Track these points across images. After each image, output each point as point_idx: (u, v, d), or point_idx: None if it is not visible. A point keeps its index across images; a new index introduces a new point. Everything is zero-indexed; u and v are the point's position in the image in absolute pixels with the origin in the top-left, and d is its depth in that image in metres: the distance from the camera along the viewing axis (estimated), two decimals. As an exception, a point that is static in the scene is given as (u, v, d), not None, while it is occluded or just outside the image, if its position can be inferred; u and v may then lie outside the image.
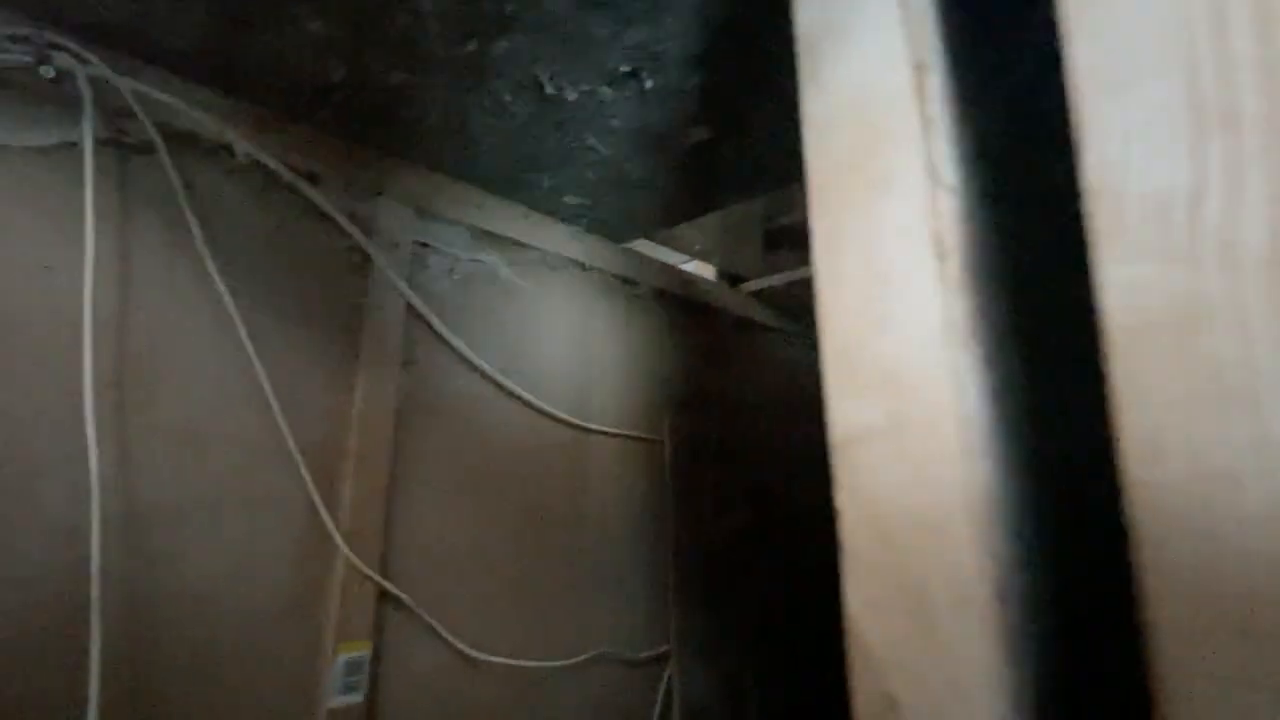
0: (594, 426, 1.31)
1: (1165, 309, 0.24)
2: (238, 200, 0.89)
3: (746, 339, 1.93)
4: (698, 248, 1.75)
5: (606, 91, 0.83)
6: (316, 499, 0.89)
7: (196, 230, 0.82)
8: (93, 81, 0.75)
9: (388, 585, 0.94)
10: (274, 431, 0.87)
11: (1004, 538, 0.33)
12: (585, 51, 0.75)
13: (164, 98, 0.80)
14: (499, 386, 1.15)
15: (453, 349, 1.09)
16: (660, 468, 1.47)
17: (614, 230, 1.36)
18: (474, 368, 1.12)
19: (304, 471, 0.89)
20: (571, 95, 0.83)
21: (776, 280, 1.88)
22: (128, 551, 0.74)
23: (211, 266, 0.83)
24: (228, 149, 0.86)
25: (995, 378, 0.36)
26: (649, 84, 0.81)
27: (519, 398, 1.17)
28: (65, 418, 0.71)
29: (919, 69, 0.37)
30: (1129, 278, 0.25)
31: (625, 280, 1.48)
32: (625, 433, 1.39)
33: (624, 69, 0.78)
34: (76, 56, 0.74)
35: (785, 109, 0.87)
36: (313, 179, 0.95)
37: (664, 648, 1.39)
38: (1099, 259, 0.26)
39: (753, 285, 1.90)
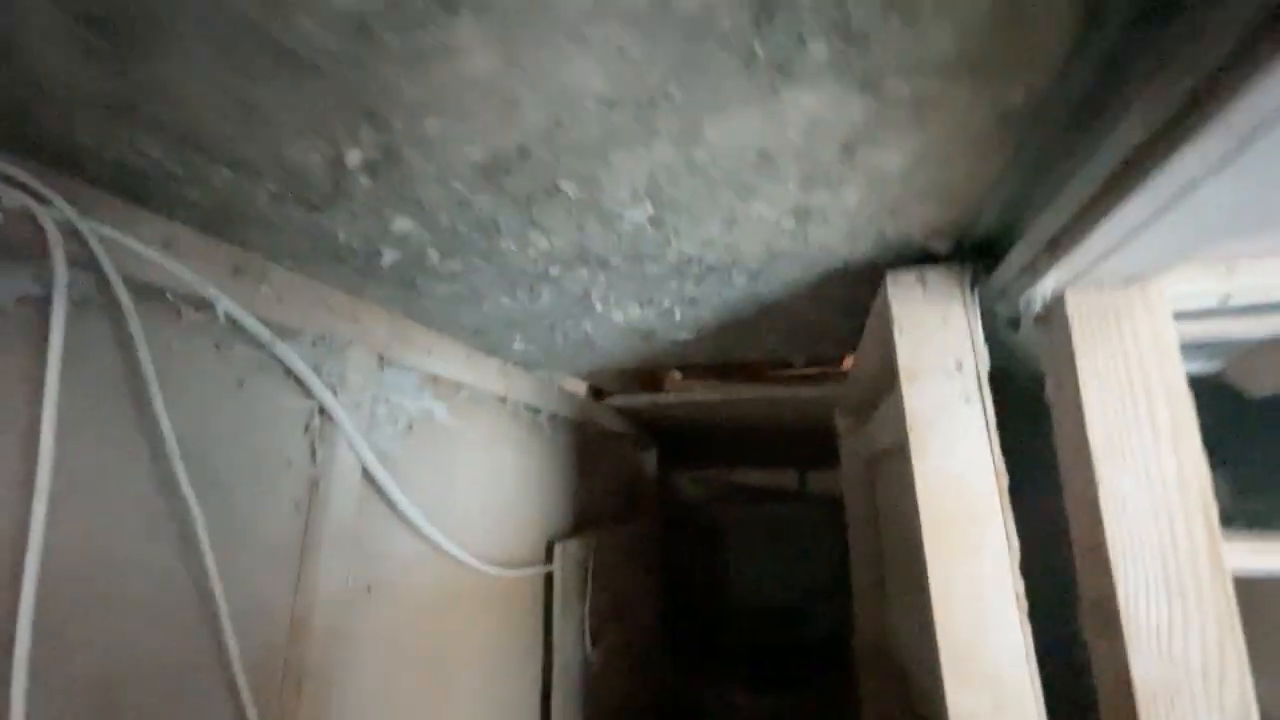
0: (504, 572, 1.29)
1: None
2: (200, 358, 0.71)
3: (613, 448, 2.09)
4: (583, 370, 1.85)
5: (637, 311, 0.93)
6: (258, 730, 0.73)
7: (160, 406, 0.64)
8: (57, 226, 0.55)
9: (327, 816, 0.80)
10: (218, 651, 0.70)
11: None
12: (648, 292, 0.85)
13: (132, 244, 0.62)
14: (433, 545, 1.07)
15: (398, 513, 0.99)
16: (552, 595, 1.50)
17: (544, 368, 1.40)
18: (414, 529, 1.03)
19: (246, 694, 0.72)
20: (617, 315, 0.91)
21: (637, 401, 2.09)
22: None
23: (171, 443, 0.65)
24: (198, 301, 0.69)
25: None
26: (678, 315, 0.94)
27: (447, 553, 1.11)
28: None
29: (998, 475, 0.61)
30: None
31: (531, 408, 1.51)
32: (525, 570, 1.39)
33: (667, 304, 0.90)
34: (35, 195, 0.54)
35: (763, 339, 1.09)
36: (284, 333, 0.81)
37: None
38: None
39: (616, 401, 2.07)
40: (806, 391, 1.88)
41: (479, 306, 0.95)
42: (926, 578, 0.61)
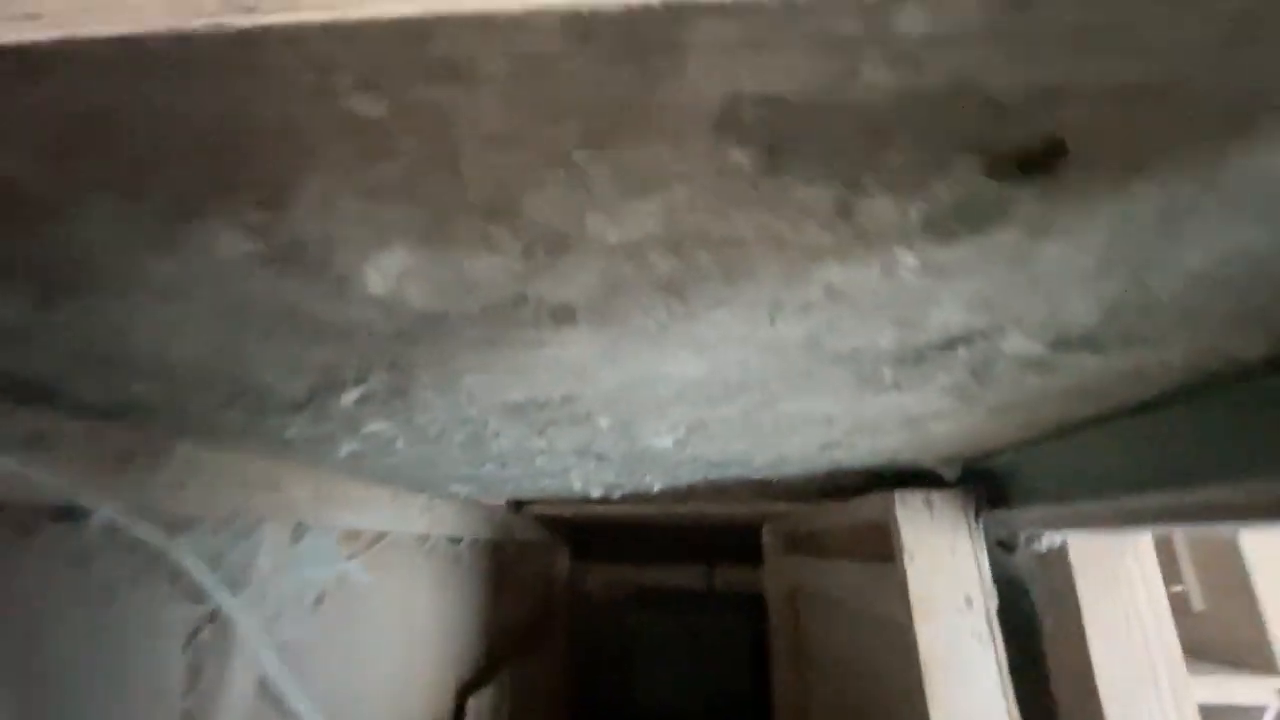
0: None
1: None
2: (56, 582, 0.52)
3: (529, 559, 1.93)
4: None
5: (612, 479, 0.85)
6: None
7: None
8: None
9: None
10: None
11: None
12: (634, 472, 0.78)
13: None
14: (337, 747, 0.87)
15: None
16: (460, 765, 1.29)
17: (474, 495, 1.25)
18: (316, 735, 0.83)
19: None
20: (593, 490, 0.82)
21: (552, 509, 1.97)
22: None
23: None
24: (61, 511, 0.51)
25: None
26: (656, 487, 0.87)
27: (353, 751, 0.91)
28: None
29: (1014, 724, 0.59)
30: None
31: (452, 539, 1.34)
32: (436, 737, 1.19)
33: (649, 480, 0.83)
34: None
35: (730, 495, 1.05)
36: (180, 524, 0.62)
37: None
38: None
39: (536, 509, 1.93)
40: (735, 508, 1.88)
41: (432, 468, 0.82)
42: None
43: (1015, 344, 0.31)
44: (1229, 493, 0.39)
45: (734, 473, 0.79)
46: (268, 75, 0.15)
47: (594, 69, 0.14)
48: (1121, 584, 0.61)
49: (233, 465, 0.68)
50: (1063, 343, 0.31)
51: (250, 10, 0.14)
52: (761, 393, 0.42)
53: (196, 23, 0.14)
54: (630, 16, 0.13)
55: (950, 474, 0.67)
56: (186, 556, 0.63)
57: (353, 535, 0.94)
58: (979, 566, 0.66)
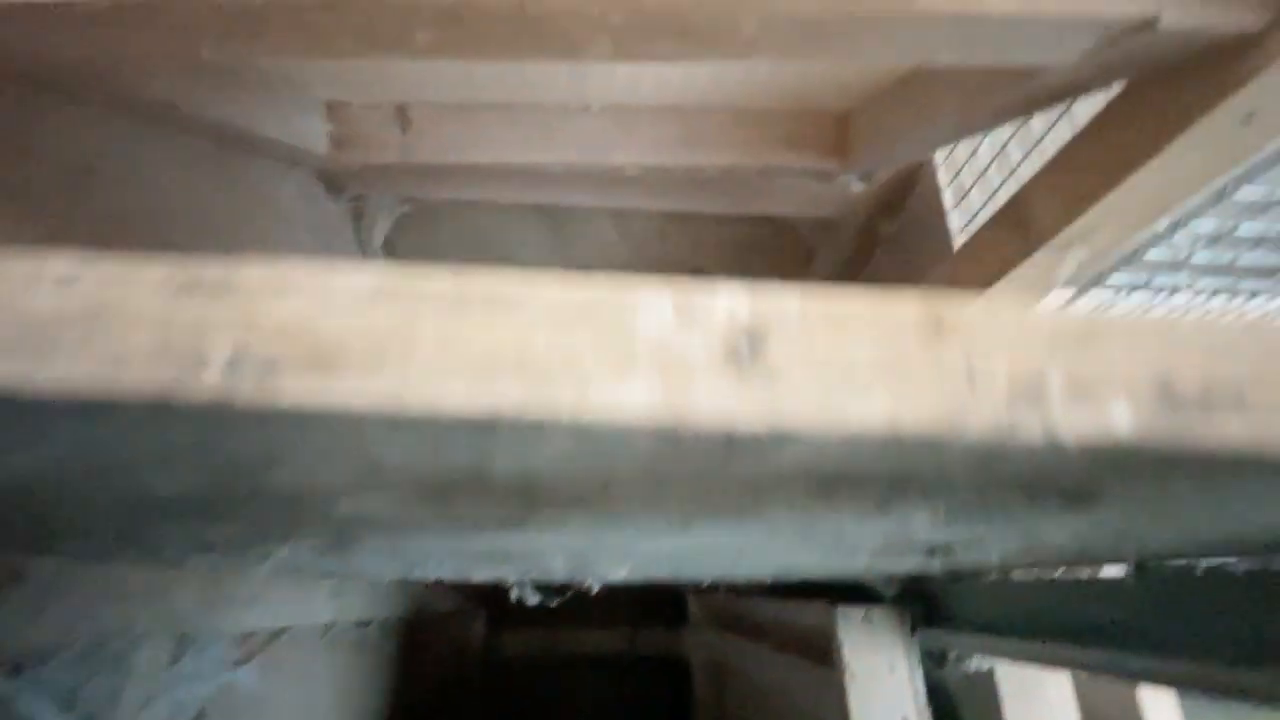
0: None
1: None
2: None
3: (442, 631, 1.79)
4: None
5: (543, 580, 0.81)
6: None
7: None
8: None
9: None
10: None
11: None
12: (571, 583, 0.74)
13: None
14: None
15: None
16: None
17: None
18: None
19: None
20: (530, 600, 0.77)
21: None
22: None
23: None
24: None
25: None
26: (595, 588, 0.84)
27: None
28: None
29: None
30: None
31: (360, 623, 1.22)
32: None
33: (589, 583, 0.80)
34: None
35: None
36: (31, 660, 0.52)
37: None
38: None
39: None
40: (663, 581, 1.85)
41: (352, 570, 0.74)
42: None
43: (986, 551, 0.32)
44: (1132, 659, 0.42)
45: (679, 579, 0.77)
46: (283, 444, 0.12)
47: (674, 460, 0.13)
48: (1044, 709, 0.64)
49: (106, 578, 0.58)
50: (1027, 550, 0.32)
51: (269, 372, 0.11)
52: (733, 556, 0.41)
53: (196, 388, 0.11)
54: (729, 438, 0.12)
55: (889, 591, 0.69)
56: (33, 699, 0.52)
57: (247, 636, 0.83)
58: (915, 687, 0.67)
